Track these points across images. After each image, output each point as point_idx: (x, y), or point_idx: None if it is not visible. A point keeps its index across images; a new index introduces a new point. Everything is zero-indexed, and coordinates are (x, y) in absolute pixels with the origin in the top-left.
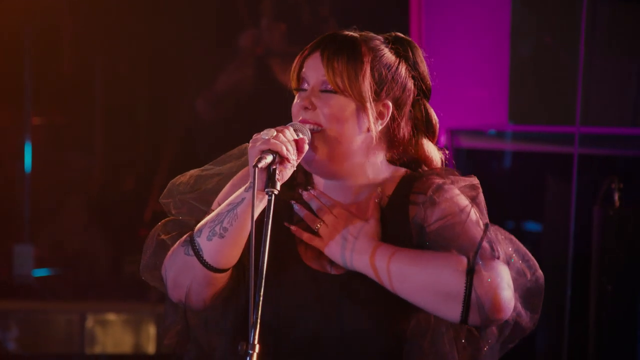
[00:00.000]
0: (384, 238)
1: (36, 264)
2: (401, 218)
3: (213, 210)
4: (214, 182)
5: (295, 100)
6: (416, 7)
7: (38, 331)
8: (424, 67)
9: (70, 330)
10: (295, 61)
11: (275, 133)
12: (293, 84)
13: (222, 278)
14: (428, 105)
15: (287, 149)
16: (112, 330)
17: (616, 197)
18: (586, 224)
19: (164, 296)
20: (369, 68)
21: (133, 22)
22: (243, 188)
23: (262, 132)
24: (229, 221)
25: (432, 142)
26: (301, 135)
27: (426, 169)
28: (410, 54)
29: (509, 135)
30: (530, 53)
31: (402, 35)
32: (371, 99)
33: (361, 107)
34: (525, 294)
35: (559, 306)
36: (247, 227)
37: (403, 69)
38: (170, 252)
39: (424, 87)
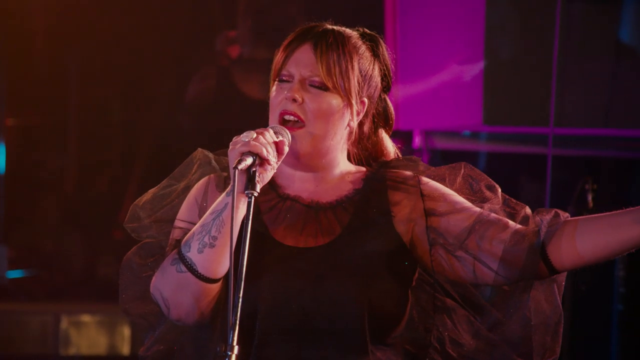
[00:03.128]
0: (356, 224)
1: (10, 265)
2: (378, 203)
3: (177, 228)
4: (175, 197)
5: (274, 90)
6: (391, 8)
7: (12, 332)
8: (389, 63)
9: (44, 332)
10: (280, 51)
11: (255, 135)
12: (274, 75)
13: (218, 287)
14: (388, 99)
15: (267, 151)
16: (86, 332)
17: (590, 197)
18: None
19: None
20: (357, 66)
21: (107, 24)
22: (224, 194)
23: (242, 135)
24: (216, 229)
25: (388, 134)
26: (281, 138)
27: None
28: (381, 50)
29: (483, 136)
30: (504, 55)
31: (368, 31)
32: (356, 96)
33: (347, 105)
34: None
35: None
36: (236, 231)
37: (377, 67)
38: (159, 273)
39: (388, 83)
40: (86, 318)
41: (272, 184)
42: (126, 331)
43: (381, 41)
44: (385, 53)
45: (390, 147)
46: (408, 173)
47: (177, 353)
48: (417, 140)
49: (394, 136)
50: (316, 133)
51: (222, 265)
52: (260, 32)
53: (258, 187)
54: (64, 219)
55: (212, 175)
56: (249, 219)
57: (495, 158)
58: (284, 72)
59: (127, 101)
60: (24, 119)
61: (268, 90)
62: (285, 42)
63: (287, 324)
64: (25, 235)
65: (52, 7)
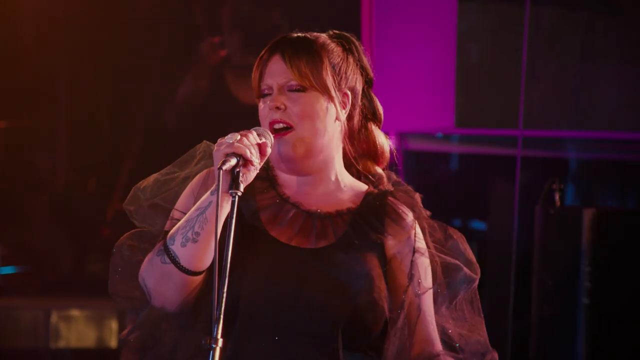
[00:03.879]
0: (351, 236)
1: (2, 262)
2: (375, 224)
3: (172, 219)
4: (174, 185)
5: (260, 106)
6: (367, 15)
7: (4, 326)
8: (366, 59)
9: (35, 326)
10: (255, 69)
11: (239, 137)
12: (256, 92)
13: (200, 279)
14: (372, 94)
15: (251, 152)
16: (75, 326)
17: (557, 197)
18: (528, 222)
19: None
20: (327, 61)
21: (95, 28)
22: (209, 192)
23: (226, 137)
24: (199, 225)
25: (379, 127)
26: (264, 139)
27: (386, 186)
28: (353, 47)
29: (455, 138)
30: (475, 60)
31: (339, 32)
32: (335, 89)
33: (328, 99)
34: None
35: (503, 301)
36: (218, 229)
37: (351, 60)
38: (145, 263)
39: (368, 77)
40: (75, 313)
41: (273, 184)
42: (114, 325)
43: (352, 38)
44: (359, 48)
45: (383, 141)
46: (409, 218)
47: (156, 339)
48: (392, 142)
49: None
50: (306, 134)
51: (204, 259)
52: (249, 40)
53: (242, 187)
54: (54, 218)
55: (212, 167)
56: (232, 217)
57: (467, 159)
58: (263, 86)
59: (115, 104)
60: (15, 121)
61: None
62: (257, 59)
63: (268, 318)
64: (17, 234)
65: (41, 11)
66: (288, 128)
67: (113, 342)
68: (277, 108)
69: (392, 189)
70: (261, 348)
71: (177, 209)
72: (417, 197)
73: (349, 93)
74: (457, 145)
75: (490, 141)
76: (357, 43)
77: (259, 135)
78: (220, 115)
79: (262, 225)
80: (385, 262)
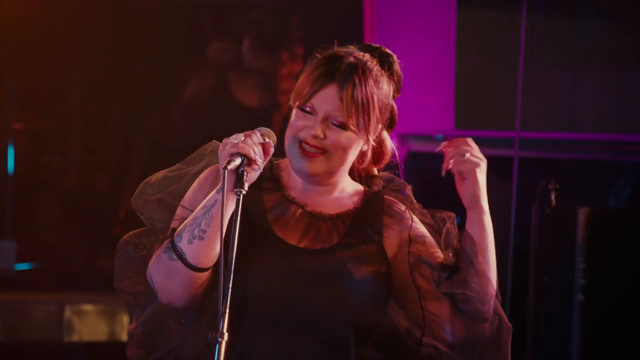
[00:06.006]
0: (352, 236)
1: (18, 258)
2: (373, 223)
3: (179, 212)
4: (183, 182)
5: (295, 114)
6: (369, 22)
7: (20, 321)
8: (401, 76)
9: (49, 320)
10: (306, 78)
11: (243, 137)
12: (299, 102)
13: (206, 275)
14: (394, 103)
15: (255, 152)
16: (88, 320)
17: (553, 196)
18: (525, 221)
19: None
20: (376, 106)
21: (107, 34)
22: (215, 191)
23: (231, 137)
24: (205, 223)
25: (389, 133)
26: (267, 140)
27: (381, 185)
28: (395, 69)
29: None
30: (474, 65)
31: (387, 51)
32: (374, 132)
33: (364, 139)
34: None
35: (500, 297)
36: (223, 226)
37: (392, 89)
38: (153, 259)
39: (398, 91)
40: (88, 307)
41: (279, 185)
42: (125, 319)
43: (395, 59)
44: (399, 69)
45: (389, 145)
46: (402, 208)
47: (164, 335)
48: (394, 143)
49: None
50: (333, 161)
51: (210, 256)
52: (257, 45)
53: (246, 186)
54: (67, 216)
55: (217, 165)
56: (237, 215)
57: None
58: (309, 105)
59: (125, 107)
60: (31, 124)
61: (263, 98)
62: (312, 71)
63: (277, 316)
64: (32, 231)
65: (54, 17)
66: (318, 150)
67: (124, 336)
68: (316, 136)
69: (386, 187)
70: (271, 345)
71: (183, 206)
72: (409, 189)
73: (379, 127)
74: None
75: (488, 142)
76: (397, 62)
77: (262, 135)
78: (226, 116)
79: (270, 225)
80: (387, 258)
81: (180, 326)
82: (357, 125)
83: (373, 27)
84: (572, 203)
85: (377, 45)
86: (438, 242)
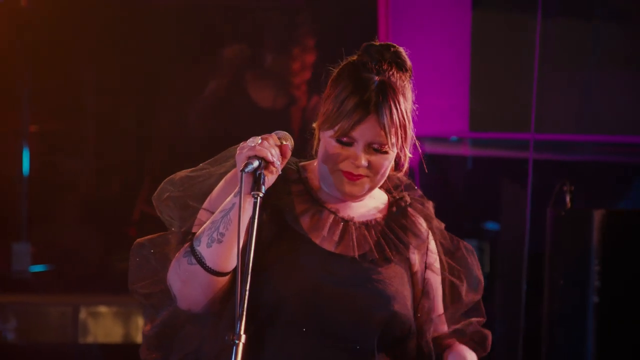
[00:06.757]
0: (383, 244)
1: (33, 260)
2: (400, 233)
3: (200, 216)
4: (206, 183)
5: (335, 146)
6: (384, 25)
7: (34, 322)
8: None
9: (64, 322)
10: (337, 113)
11: (260, 140)
12: (336, 135)
13: (226, 280)
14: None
15: (272, 154)
16: (103, 322)
17: (567, 199)
18: (540, 223)
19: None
20: (409, 124)
21: (122, 36)
22: (233, 194)
23: (248, 140)
24: (224, 226)
25: None
26: (285, 142)
27: (406, 197)
28: (409, 68)
29: (469, 141)
30: (489, 66)
31: (397, 49)
32: (409, 149)
33: (404, 153)
34: None
35: (515, 299)
36: (242, 229)
37: (412, 95)
38: (173, 264)
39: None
40: (103, 309)
41: (307, 188)
42: (140, 321)
43: (404, 53)
44: (409, 60)
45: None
46: (424, 227)
47: (182, 338)
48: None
49: None
50: (376, 181)
51: (228, 260)
52: (272, 46)
53: (263, 189)
54: (82, 218)
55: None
56: (254, 218)
57: (480, 162)
58: (347, 138)
59: (139, 109)
60: (46, 126)
61: (278, 98)
62: (343, 100)
63: (310, 322)
64: (47, 233)
65: (69, 19)
66: (362, 176)
67: (139, 338)
68: (360, 166)
69: (408, 199)
70: (300, 350)
71: (205, 209)
72: (431, 206)
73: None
74: (471, 149)
75: (503, 144)
76: (405, 53)
77: (280, 138)
78: (242, 117)
79: (303, 230)
80: (411, 273)
81: (198, 329)
82: (398, 145)
83: (388, 30)
84: (588, 205)
85: (384, 45)
86: (450, 266)
